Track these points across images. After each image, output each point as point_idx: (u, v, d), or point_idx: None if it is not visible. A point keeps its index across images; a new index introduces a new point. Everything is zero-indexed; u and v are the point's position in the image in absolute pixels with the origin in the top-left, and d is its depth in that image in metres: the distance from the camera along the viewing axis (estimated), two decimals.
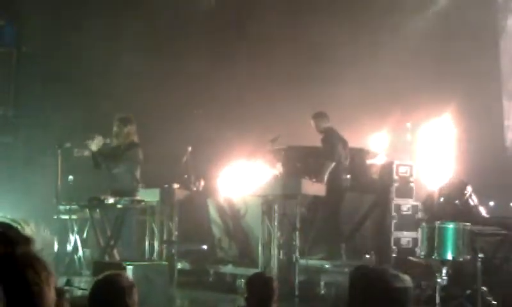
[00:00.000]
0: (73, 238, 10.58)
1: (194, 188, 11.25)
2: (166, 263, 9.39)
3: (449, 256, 8.12)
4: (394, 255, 10.71)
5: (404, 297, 3.39)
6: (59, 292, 2.02)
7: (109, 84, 13.09)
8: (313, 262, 10.07)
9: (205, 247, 11.43)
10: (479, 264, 7.92)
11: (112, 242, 9.41)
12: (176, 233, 10.61)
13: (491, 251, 9.13)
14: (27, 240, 1.88)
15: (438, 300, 7.89)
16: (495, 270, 9.00)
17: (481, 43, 12.65)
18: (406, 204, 11.21)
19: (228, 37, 14.21)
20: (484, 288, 8.07)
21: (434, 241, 8.17)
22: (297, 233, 9.49)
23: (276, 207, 9.75)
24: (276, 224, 9.71)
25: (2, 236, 1.82)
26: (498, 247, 9.35)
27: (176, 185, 10.75)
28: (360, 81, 12.87)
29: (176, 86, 13.85)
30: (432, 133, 11.78)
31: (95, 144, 9.75)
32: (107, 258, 9.26)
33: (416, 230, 9.58)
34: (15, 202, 11.56)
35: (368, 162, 11.73)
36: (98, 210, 9.62)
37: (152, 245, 10.42)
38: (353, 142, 11.40)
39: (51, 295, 1.87)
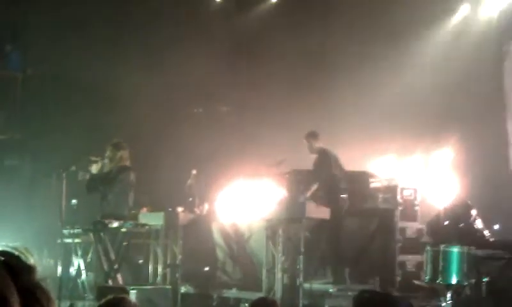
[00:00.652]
0: (77, 262, 10.56)
1: (198, 212, 11.25)
2: (170, 287, 9.37)
3: (454, 280, 8.09)
4: (399, 279, 10.66)
5: None
6: None
7: (115, 108, 13.14)
8: (317, 286, 10.03)
9: (207, 268, 11.39)
10: (483, 288, 7.88)
11: (116, 266, 9.40)
12: (180, 256, 10.59)
13: (496, 274, 9.10)
14: (29, 269, 1.88)
15: None
16: (499, 293, 8.95)
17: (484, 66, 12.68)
18: (411, 228, 11.19)
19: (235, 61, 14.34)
20: None
21: (438, 265, 8.15)
22: (301, 257, 9.48)
23: (280, 231, 9.74)
24: (280, 248, 9.69)
25: (5, 265, 1.82)
26: (503, 270, 9.31)
27: (180, 209, 10.76)
28: (364, 108, 12.95)
29: (182, 110, 13.91)
30: (437, 156, 11.77)
31: (95, 168, 9.89)
32: (110, 283, 9.24)
33: (421, 254, 9.55)
34: (19, 224, 11.57)
35: (373, 185, 11.72)
36: (102, 234, 9.63)
37: (155, 269, 10.41)
38: (357, 165, 11.38)
39: None
